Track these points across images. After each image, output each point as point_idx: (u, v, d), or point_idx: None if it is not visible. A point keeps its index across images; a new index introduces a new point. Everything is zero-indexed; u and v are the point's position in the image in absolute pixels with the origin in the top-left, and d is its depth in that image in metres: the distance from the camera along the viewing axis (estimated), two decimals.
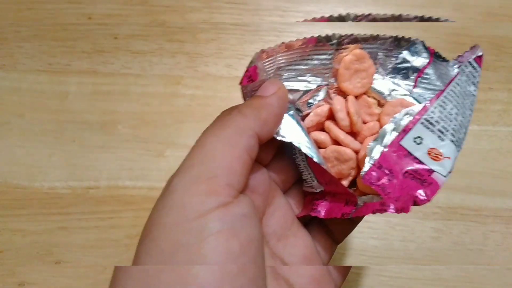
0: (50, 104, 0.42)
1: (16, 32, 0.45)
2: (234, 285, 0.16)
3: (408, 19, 0.24)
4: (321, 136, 0.24)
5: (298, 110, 0.24)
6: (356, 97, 0.25)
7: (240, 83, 0.23)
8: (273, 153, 0.24)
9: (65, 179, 0.40)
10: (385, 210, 0.21)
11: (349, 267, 0.25)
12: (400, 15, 0.24)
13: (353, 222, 0.26)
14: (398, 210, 0.20)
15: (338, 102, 0.24)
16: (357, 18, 0.25)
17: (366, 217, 0.24)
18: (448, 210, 0.39)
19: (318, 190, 0.24)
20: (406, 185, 0.22)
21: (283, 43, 0.23)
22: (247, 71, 0.22)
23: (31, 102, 0.42)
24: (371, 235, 0.38)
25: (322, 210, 0.23)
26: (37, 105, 0.42)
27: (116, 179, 0.40)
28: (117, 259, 0.38)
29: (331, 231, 0.25)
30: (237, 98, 0.42)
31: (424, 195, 0.21)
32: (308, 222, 0.25)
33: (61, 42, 0.44)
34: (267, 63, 0.23)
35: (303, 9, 0.45)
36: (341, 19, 0.25)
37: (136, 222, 0.39)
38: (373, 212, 0.21)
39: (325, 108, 0.25)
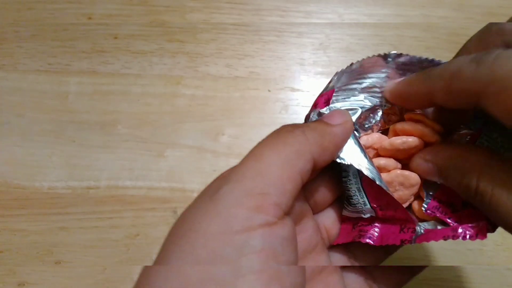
0: (50, 104, 0.42)
1: (16, 32, 0.45)
2: None
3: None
4: (381, 161, 0.23)
5: (356, 130, 0.24)
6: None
7: (315, 105, 0.22)
8: (314, 175, 0.23)
9: (65, 179, 0.40)
10: (458, 236, 0.21)
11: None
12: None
13: (385, 251, 0.25)
14: (473, 236, 0.20)
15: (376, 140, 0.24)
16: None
17: None
18: None
19: (367, 216, 0.23)
20: (472, 214, 0.21)
21: (357, 62, 0.23)
22: (324, 94, 0.22)
23: (31, 102, 0.42)
24: None
25: (373, 236, 0.22)
26: (37, 105, 0.42)
27: (116, 179, 0.40)
28: (117, 259, 0.38)
29: (356, 259, 0.24)
30: (237, 98, 0.42)
31: (492, 222, 0.21)
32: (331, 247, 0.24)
33: (61, 42, 0.44)
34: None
35: (303, 9, 0.45)
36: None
37: (136, 222, 0.39)
38: (445, 239, 0.21)
39: (376, 136, 0.24)
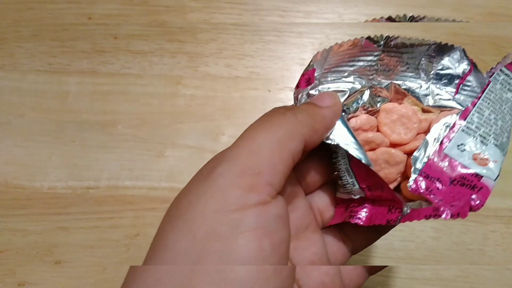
0: (50, 104, 0.42)
1: (16, 32, 0.45)
2: (269, 285, 0.17)
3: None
4: (369, 135, 0.24)
5: (343, 111, 0.24)
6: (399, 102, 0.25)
7: (297, 86, 0.23)
8: (304, 156, 0.24)
9: (65, 179, 0.40)
10: (440, 216, 0.20)
11: (366, 276, 0.25)
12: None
13: (378, 232, 0.25)
14: (454, 215, 0.20)
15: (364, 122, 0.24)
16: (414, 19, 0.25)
17: None
18: None
19: (357, 197, 0.23)
20: (457, 192, 0.22)
21: (336, 44, 0.23)
22: (305, 73, 0.22)
23: (31, 102, 0.42)
24: None
25: (362, 217, 0.23)
26: (37, 105, 0.42)
27: (116, 179, 0.40)
28: (117, 259, 0.38)
29: (350, 240, 0.25)
30: (237, 98, 0.42)
31: (477, 200, 0.21)
32: (324, 228, 0.25)
33: (61, 42, 0.44)
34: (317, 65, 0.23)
35: (303, 9, 0.45)
36: (400, 19, 0.25)
37: (136, 222, 0.39)
38: (426, 218, 0.21)
39: (364, 118, 0.24)
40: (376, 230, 0.25)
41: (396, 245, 0.38)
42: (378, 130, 0.25)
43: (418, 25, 0.43)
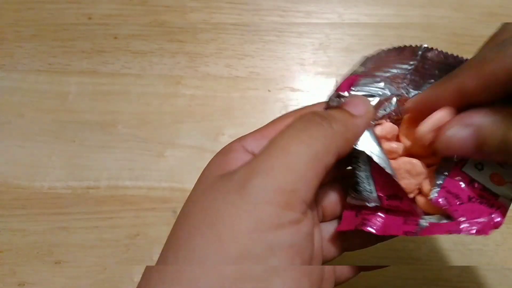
0: (50, 104, 0.42)
1: (16, 32, 0.45)
2: None
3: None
4: (393, 144, 0.23)
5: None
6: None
7: (337, 90, 0.22)
8: (331, 178, 0.23)
9: (65, 179, 0.40)
10: (461, 231, 0.20)
11: (358, 271, 0.25)
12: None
13: (378, 239, 0.25)
14: (478, 232, 0.20)
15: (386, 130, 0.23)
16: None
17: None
18: None
19: (371, 205, 0.23)
20: (476, 209, 0.22)
21: (383, 50, 0.23)
22: (349, 78, 0.22)
23: (31, 102, 0.42)
24: None
25: (376, 226, 0.23)
26: (37, 105, 0.42)
27: (116, 179, 0.40)
28: (117, 259, 0.38)
29: (346, 237, 0.24)
30: (237, 98, 0.42)
31: (497, 217, 0.21)
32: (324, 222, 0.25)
33: (61, 42, 0.44)
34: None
35: (303, 9, 0.45)
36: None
37: (136, 222, 0.39)
38: (449, 233, 0.21)
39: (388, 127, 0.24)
40: (376, 237, 0.24)
41: (396, 245, 0.38)
42: (398, 139, 0.24)
43: (418, 25, 0.43)
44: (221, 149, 0.22)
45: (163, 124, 0.41)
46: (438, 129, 0.21)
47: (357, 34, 0.44)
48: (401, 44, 0.23)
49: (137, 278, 0.37)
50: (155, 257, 0.18)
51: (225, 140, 0.41)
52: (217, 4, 0.45)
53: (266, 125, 0.23)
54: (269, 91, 0.42)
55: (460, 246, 0.38)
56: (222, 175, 0.19)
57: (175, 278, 0.17)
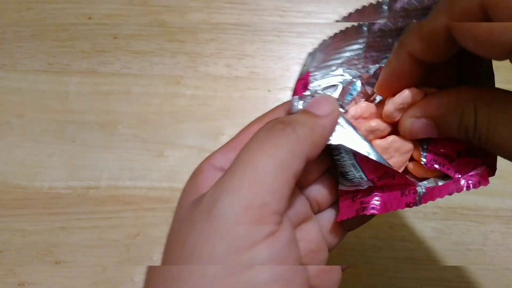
0: (50, 104, 0.42)
1: (16, 32, 0.45)
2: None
3: None
4: (372, 123, 0.23)
5: (340, 107, 0.23)
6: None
7: (295, 93, 0.21)
8: (316, 177, 0.23)
9: (65, 179, 0.40)
10: (462, 189, 0.21)
11: (344, 233, 0.25)
12: None
13: (364, 219, 0.25)
14: (477, 185, 0.21)
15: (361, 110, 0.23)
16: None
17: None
18: (448, 210, 0.39)
19: (365, 187, 0.23)
20: (468, 162, 0.21)
21: (323, 40, 0.22)
22: (301, 78, 0.21)
23: (31, 102, 0.42)
24: (371, 235, 0.38)
25: (376, 206, 0.22)
26: (37, 105, 0.42)
27: (116, 179, 0.40)
28: (117, 259, 0.38)
29: (346, 221, 0.24)
30: (237, 98, 0.42)
31: (491, 164, 0.21)
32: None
33: (61, 42, 0.44)
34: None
35: (303, 9, 0.45)
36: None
37: (136, 222, 0.39)
38: (450, 193, 0.21)
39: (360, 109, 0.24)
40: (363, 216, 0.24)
41: (396, 245, 0.38)
42: (378, 117, 0.24)
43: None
44: (193, 171, 0.21)
45: (163, 124, 0.41)
46: (402, 110, 0.21)
47: None
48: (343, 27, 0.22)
49: (137, 278, 0.37)
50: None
51: (225, 140, 0.41)
52: (217, 4, 0.45)
53: (234, 137, 0.22)
54: (269, 91, 0.42)
55: (460, 246, 0.38)
56: (194, 201, 0.19)
57: None
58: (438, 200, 0.36)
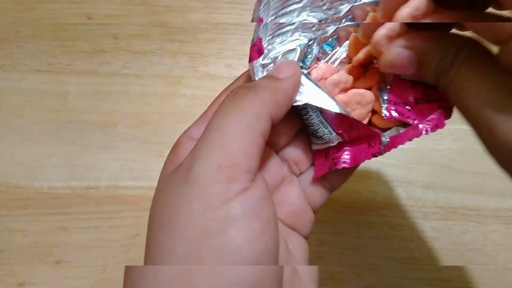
0: (50, 104, 0.42)
1: (16, 32, 0.45)
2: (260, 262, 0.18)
3: None
4: (334, 77, 0.24)
5: (301, 68, 0.24)
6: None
7: (250, 59, 0.22)
8: (289, 139, 0.24)
9: (65, 179, 0.40)
10: (421, 133, 0.22)
11: (328, 194, 0.26)
12: None
13: (353, 169, 0.26)
14: (434, 128, 0.22)
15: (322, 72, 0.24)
16: None
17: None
18: (448, 210, 0.39)
19: (335, 143, 0.24)
20: (426, 108, 0.22)
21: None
22: (254, 45, 0.22)
23: (31, 102, 0.42)
24: (371, 235, 0.38)
25: (346, 160, 0.24)
26: (37, 105, 0.42)
27: (116, 179, 0.40)
28: (117, 259, 0.38)
29: (326, 179, 0.25)
30: None
31: (447, 108, 0.22)
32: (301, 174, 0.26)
33: (61, 42, 0.44)
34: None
35: None
36: None
37: (136, 222, 0.39)
38: (410, 139, 0.22)
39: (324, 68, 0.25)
40: (345, 171, 0.25)
41: (396, 245, 0.38)
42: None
43: None
44: (173, 145, 0.23)
45: (163, 124, 0.41)
46: (390, 39, 0.21)
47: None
48: None
49: None
50: (146, 243, 0.20)
51: None
52: (217, 4, 0.45)
53: (206, 109, 0.24)
54: None
55: (460, 246, 0.38)
56: (173, 170, 0.20)
57: (153, 276, 0.18)
58: (438, 199, 0.36)
